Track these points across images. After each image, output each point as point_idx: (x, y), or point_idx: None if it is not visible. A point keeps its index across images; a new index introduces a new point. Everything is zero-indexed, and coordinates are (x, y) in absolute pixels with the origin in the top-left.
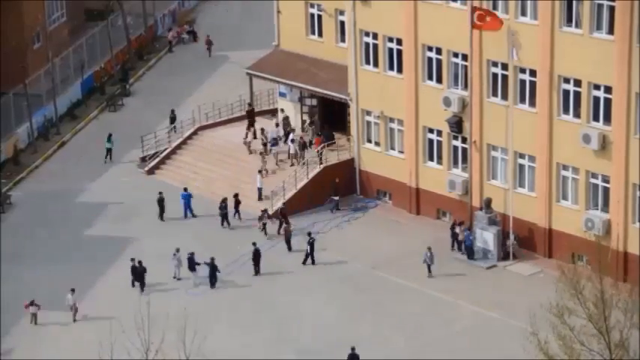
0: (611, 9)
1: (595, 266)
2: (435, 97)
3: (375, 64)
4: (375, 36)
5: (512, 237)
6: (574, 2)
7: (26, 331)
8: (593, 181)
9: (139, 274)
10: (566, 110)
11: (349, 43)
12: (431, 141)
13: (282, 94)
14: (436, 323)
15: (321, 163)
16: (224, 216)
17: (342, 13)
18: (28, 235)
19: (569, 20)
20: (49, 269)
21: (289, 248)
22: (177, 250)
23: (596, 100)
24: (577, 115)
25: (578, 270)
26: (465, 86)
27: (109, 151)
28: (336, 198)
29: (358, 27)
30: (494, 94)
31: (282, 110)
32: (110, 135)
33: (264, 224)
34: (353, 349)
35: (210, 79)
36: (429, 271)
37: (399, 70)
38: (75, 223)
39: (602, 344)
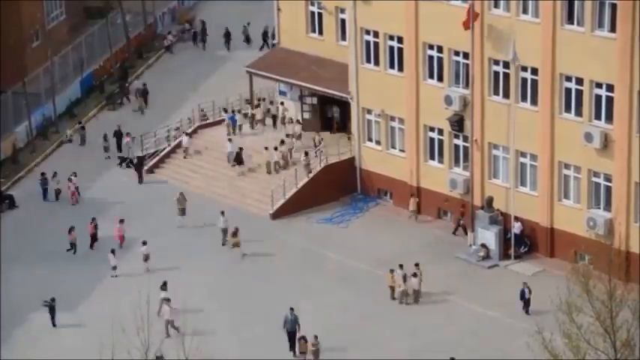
0: (613, 7)
1: (598, 265)
2: (436, 95)
3: (376, 63)
4: (375, 34)
5: (513, 238)
6: (575, 0)
7: (27, 331)
8: (595, 179)
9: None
10: (568, 109)
11: (350, 41)
12: (432, 140)
13: (282, 93)
14: (437, 323)
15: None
16: None
17: (342, 11)
18: (28, 234)
19: (570, 18)
20: (49, 269)
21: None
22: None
23: (598, 98)
24: (579, 113)
25: (587, 268)
26: (467, 84)
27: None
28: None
29: (359, 25)
30: (496, 93)
31: (282, 103)
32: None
33: None
34: (292, 309)
35: (210, 77)
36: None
37: (400, 69)
38: (75, 222)
39: (608, 343)
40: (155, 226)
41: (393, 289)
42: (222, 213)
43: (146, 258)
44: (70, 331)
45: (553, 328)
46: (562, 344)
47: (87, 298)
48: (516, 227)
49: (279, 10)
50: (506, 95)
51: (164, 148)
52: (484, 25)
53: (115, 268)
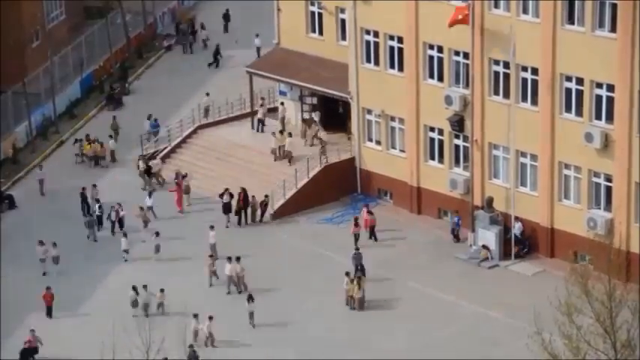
0: (614, 6)
1: (598, 265)
2: (437, 95)
3: (376, 63)
4: (375, 34)
5: (513, 235)
6: (576, 0)
7: (27, 331)
8: (595, 180)
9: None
10: (568, 109)
11: (350, 41)
12: (432, 140)
13: (282, 93)
14: (437, 323)
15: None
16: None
17: (342, 11)
18: (28, 234)
19: (570, 18)
20: (49, 269)
21: None
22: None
23: (599, 98)
24: (579, 113)
25: (586, 269)
26: (467, 84)
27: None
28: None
29: (359, 25)
30: (496, 93)
31: (282, 103)
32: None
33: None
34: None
35: (211, 77)
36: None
37: (400, 69)
38: (75, 222)
39: (607, 344)
40: (156, 225)
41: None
42: (212, 227)
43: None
44: (71, 331)
45: (553, 329)
46: (562, 345)
47: (88, 298)
48: (516, 228)
49: (279, 10)
50: (507, 95)
51: (164, 148)
52: (484, 25)
53: (126, 251)
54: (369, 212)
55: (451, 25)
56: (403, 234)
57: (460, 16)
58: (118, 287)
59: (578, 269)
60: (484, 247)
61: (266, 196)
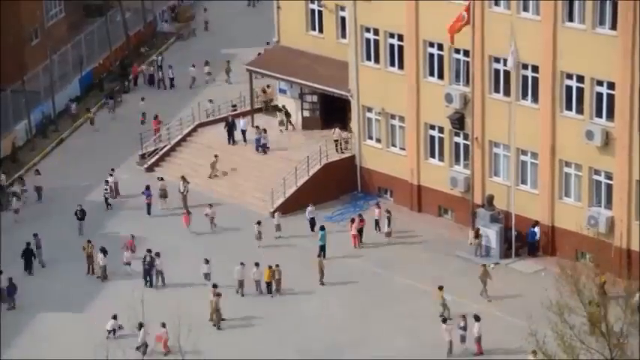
0: (614, 4)
1: (598, 263)
2: (437, 93)
3: (376, 60)
4: (376, 32)
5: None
6: None
7: (28, 331)
8: (596, 177)
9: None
10: (569, 106)
11: (350, 39)
12: (432, 138)
13: (282, 91)
14: (437, 322)
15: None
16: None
17: (342, 8)
18: (28, 234)
19: (571, 16)
20: (49, 268)
21: None
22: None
23: (599, 96)
24: (580, 111)
25: (578, 268)
26: (467, 82)
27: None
28: None
29: (359, 23)
30: (497, 90)
31: (284, 107)
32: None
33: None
34: None
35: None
36: None
37: (401, 66)
38: (75, 221)
39: (600, 342)
40: (158, 225)
41: None
42: (242, 264)
43: (206, 276)
44: (70, 330)
45: (549, 328)
46: (556, 344)
47: (93, 299)
48: (536, 231)
49: (278, 8)
50: (507, 93)
51: (164, 146)
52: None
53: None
54: (378, 205)
55: (452, 31)
56: (404, 232)
57: (462, 22)
58: (119, 289)
59: (568, 269)
60: (476, 235)
61: (277, 265)
